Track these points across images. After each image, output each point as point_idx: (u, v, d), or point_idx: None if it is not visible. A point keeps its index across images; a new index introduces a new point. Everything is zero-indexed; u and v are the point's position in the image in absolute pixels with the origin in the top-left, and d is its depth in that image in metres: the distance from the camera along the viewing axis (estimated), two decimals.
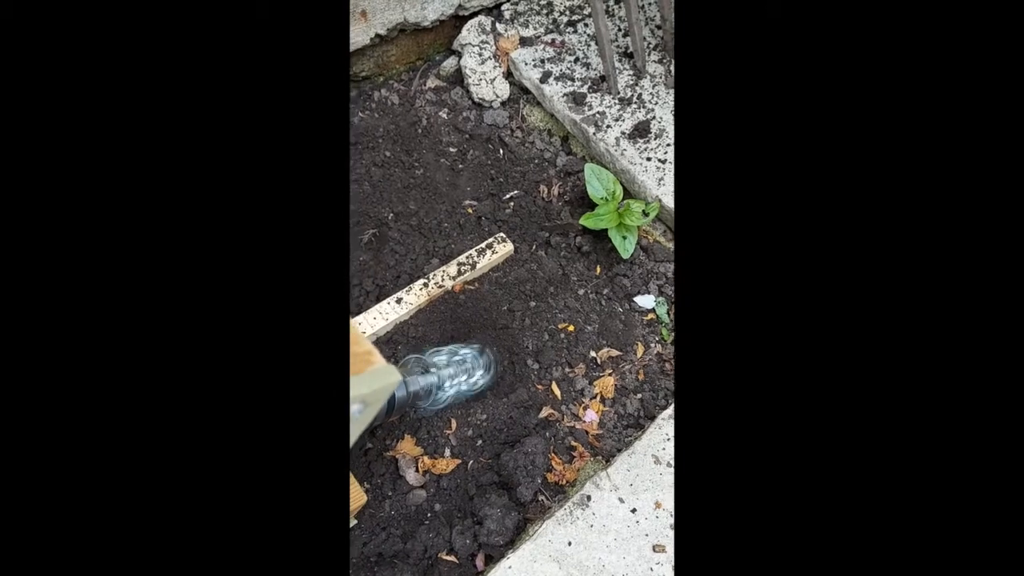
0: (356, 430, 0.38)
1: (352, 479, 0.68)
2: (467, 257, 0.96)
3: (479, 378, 0.83)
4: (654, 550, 0.69)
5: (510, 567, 0.67)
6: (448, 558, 0.72)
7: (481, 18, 1.18)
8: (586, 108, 1.08)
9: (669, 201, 0.98)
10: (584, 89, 1.10)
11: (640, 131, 1.05)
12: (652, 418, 0.84)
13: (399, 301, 0.91)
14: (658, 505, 0.72)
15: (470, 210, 1.04)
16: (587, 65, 1.14)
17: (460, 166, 1.09)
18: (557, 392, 0.86)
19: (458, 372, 0.82)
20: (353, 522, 0.73)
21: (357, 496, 0.67)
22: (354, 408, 0.35)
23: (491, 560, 0.72)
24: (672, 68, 1.12)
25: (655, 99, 1.10)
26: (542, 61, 1.14)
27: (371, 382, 0.36)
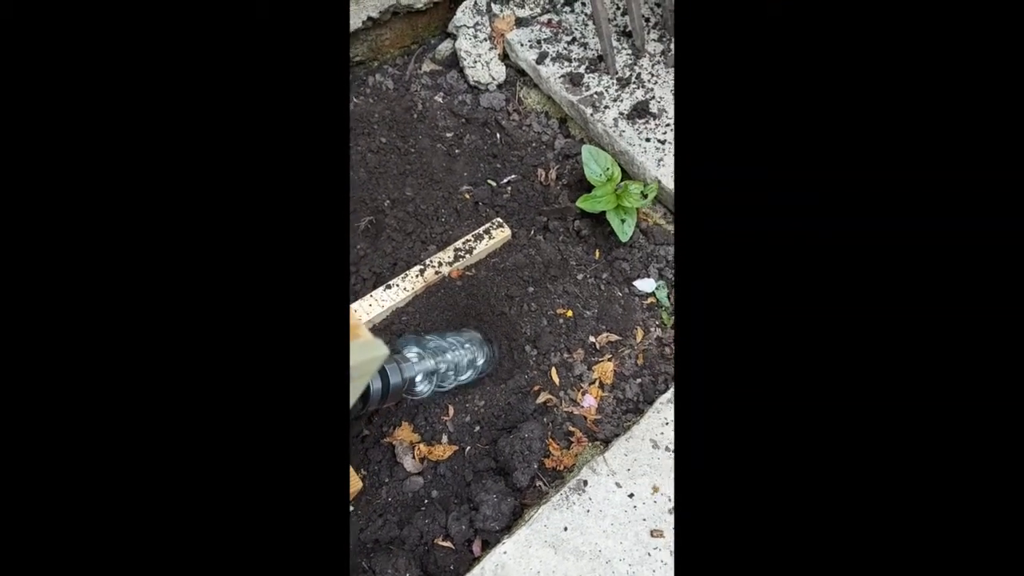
0: None
1: None
2: (464, 243, 0.94)
3: (477, 364, 0.82)
4: (651, 535, 0.68)
5: (505, 552, 0.67)
6: (444, 544, 0.71)
7: None
8: (583, 89, 1.06)
9: (669, 182, 0.96)
10: (581, 70, 1.08)
11: (639, 111, 1.03)
12: (651, 403, 0.82)
13: (395, 287, 0.90)
14: (656, 489, 0.71)
15: (467, 195, 1.02)
16: (584, 45, 1.12)
17: (457, 151, 1.08)
18: (555, 378, 0.85)
19: (455, 358, 0.81)
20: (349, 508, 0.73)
21: (352, 483, 0.66)
22: None
23: (487, 545, 0.71)
24: (672, 47, 1.10)
25: (654, 78, 1.07)
26: (539, 42, 1.12)
27: (355, 354, 0.34)
